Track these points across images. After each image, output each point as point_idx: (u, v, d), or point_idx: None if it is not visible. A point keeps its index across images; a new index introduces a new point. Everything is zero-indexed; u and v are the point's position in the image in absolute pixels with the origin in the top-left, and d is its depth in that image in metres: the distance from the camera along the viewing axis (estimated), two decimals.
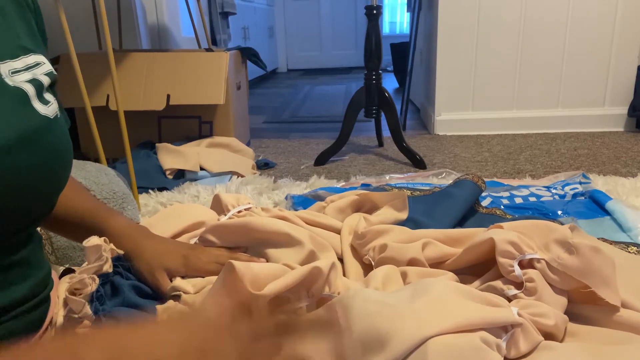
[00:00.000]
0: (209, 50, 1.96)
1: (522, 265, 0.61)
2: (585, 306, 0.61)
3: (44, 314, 0.54)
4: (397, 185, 1.39)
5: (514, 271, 0.60)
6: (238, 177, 1.58)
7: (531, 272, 0.60)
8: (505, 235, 0.62)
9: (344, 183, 1.46)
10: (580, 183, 1.34)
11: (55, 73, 0.54)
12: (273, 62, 5.11)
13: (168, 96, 1.73)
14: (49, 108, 0.50)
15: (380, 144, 2.05)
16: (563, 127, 2.16)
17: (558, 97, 2.16)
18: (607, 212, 1.13)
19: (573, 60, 2.10)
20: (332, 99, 3.40)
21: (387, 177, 1.51)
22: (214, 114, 1.82)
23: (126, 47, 2.23)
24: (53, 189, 0.52)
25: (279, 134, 2.38)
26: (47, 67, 0.52)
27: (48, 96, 0.51)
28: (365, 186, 1.38)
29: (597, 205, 1.17)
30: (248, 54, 2.09)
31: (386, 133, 1.96)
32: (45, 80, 0.50)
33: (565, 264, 0.59)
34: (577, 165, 1.67)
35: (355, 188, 1.37)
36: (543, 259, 0.60)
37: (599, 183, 1.40)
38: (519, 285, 0.60)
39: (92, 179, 1.05)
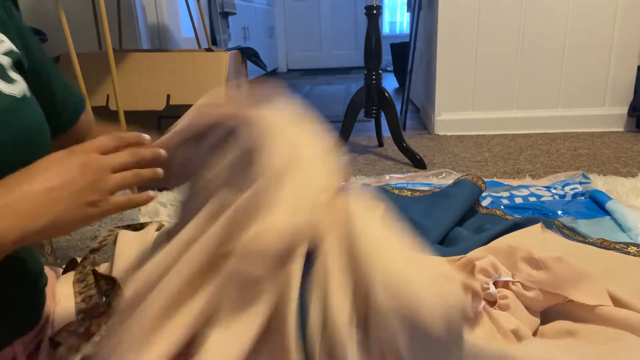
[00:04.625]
0: (209, 50, 1.96)
1: (496, 285, 0.64)
2: (580, 306, 0.62)
3: (36, 315, 0.54)
4: (397, 186, 1.39)
5: (489, 289, 0.62)
6: None
7: (505, 291, 0.63)
8: (485, 258, 0.66)
9: (344, 184, 1.46)
10: (580, 183, 1.34)
11: (18, 51, 0.53)
12: (273, 62, 5.11)
13: (168, 96, 1.73)
14: (14, 87, 0.49)
15: (380, 144, 2.05)
16: (563, 127, 2.16)
17: (558, 97, 2.16)
18: (607, 212, 1.13)
19: (573, 60, 2.10)
20: (332, 99, 3.40)
21: (387, 177, 1.51)
22: None
23: (126, 47, 2.23)
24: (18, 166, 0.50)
25: None
26: (7, 45, 0.51)
27: (14, 75, 0.50)
28: (365, 186, 1.38)
29: (597, 205, 1.17)
30: (248, 54, 2.09)
31: (386, 133, 1.96)
32: (5, 60, 0.50)
33: (537, 280, 0.62)
34: (577, 165, 1.67)
35: None
36: (518, 281, 0.63)
37: (599, 183, 1.40)
38: (491, 304, 0.63)
39: None
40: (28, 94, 0.52)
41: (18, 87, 0.50)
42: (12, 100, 0.48)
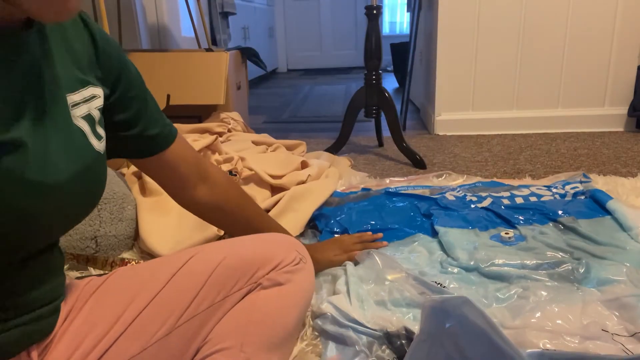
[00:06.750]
0: (209, 50, 1.96)
1: None
2: None
3: (53, 323, 0.55)
4: (398, 189, 1.39)
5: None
6: None
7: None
8: None
9: (343, 188, 1.45)
10: (581, 182, 1.34)
11: (102, 104, 0.56)
12: (273, 62, 5.11)
13: (168, 96, 1.73)
14: (101, 144, 0.54)
15: (380, 144, 2.05)
16: (563, 127, 2.16)
17: (558, 97, 2.16)
18: (607, 212, 1.12)
19: (573, 60, 2.10)
20: (332, 99, 3.40)
21: (387, 181, 1.50)
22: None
23: (126, 47, 2.23)
24: (86, 211, 0.56)
25: (279, 134, 2.38)
26: (100, 101, 0.55)
27: (100, 131, 0.55)
28: (366, 190, 1.38)
29: (597, 204, 1.17)
30: (248, 54, 2.09)
31: (386, 133, 1.96)
32: (97, 115, 0.54)
33: None
34: (577, 165, 1.67)
35: (355, 193, 1.37)
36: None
37: (599, 183, 1.40)
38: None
39: None
40: (103, 150, 0.56)
41: (103, 143, 0.54)
42: (97, 156, 0.53)
